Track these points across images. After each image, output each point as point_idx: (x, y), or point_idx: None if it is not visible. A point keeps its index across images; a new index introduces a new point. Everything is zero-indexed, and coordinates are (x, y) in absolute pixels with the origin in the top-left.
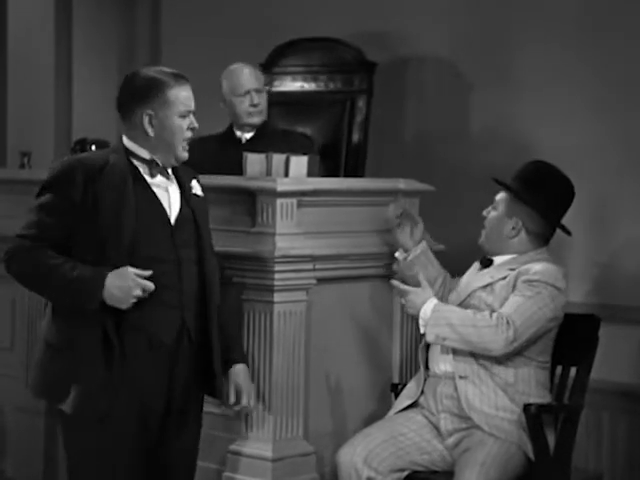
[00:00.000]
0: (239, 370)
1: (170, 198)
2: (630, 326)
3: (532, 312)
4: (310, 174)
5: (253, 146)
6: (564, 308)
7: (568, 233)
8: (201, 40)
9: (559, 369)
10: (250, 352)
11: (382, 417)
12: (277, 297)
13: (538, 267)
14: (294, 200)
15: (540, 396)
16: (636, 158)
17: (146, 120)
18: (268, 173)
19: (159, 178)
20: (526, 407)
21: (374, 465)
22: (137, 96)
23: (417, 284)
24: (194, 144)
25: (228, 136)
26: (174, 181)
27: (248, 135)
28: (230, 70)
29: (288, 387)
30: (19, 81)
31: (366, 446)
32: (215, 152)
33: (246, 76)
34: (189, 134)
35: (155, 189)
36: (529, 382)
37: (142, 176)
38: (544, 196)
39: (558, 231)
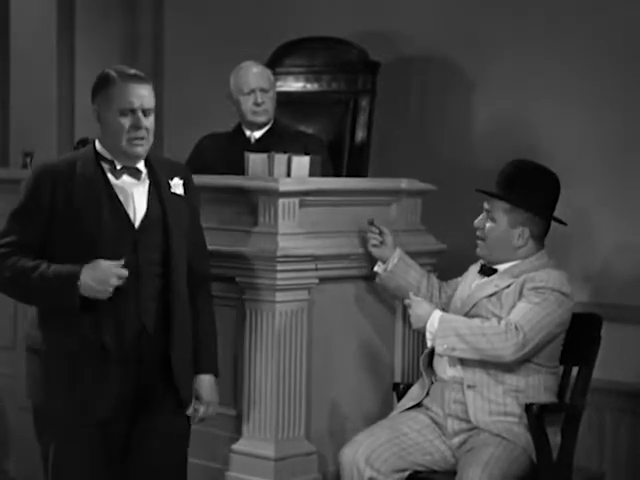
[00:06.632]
0: (202, 380)
1: (135, 201)
2: (632, 326)
3: (540, 317)
4: (312, 174)
5: (262, 145)
6: (570, 312)
7: (564, 224)
8: (203, 41)
9: (561, 369)
10: (252, 351)
11: (384, 417)
12: (279, 296)
13: (543, 274)
14: (296, 200)
15: (548, 400)
16: (634, 159)
17: (95, 117)
18: (270, 173)
19: (125, 178)
20: (528, 407)
21: (376, 465)
22: (92, 93)
23: (402, 296)
24: (204, 140)
25: (237, 134)
26: (145, 181)
27: (257, 134)
28: (239, 68)
29: (290, 387)
30: (22, 81)
31: (369, 446)
32: (224, 149)
33: (253, 75)
34: (134, 133)
35: (117, 192)
36: (539, 388)
37: (107, 178)
38: (538, 196)
39: (553, 231)
